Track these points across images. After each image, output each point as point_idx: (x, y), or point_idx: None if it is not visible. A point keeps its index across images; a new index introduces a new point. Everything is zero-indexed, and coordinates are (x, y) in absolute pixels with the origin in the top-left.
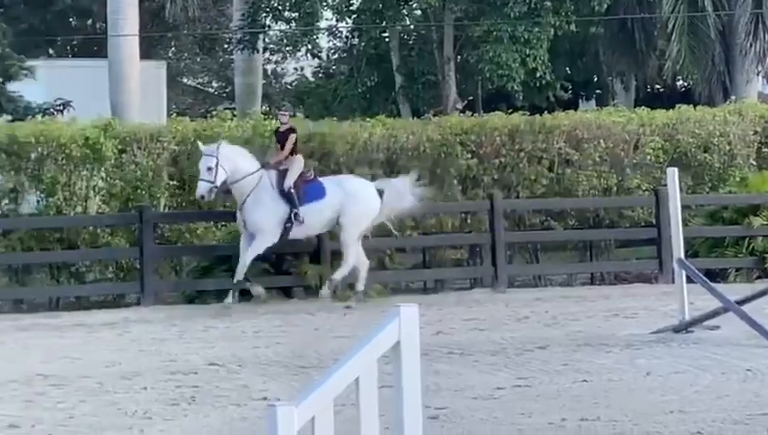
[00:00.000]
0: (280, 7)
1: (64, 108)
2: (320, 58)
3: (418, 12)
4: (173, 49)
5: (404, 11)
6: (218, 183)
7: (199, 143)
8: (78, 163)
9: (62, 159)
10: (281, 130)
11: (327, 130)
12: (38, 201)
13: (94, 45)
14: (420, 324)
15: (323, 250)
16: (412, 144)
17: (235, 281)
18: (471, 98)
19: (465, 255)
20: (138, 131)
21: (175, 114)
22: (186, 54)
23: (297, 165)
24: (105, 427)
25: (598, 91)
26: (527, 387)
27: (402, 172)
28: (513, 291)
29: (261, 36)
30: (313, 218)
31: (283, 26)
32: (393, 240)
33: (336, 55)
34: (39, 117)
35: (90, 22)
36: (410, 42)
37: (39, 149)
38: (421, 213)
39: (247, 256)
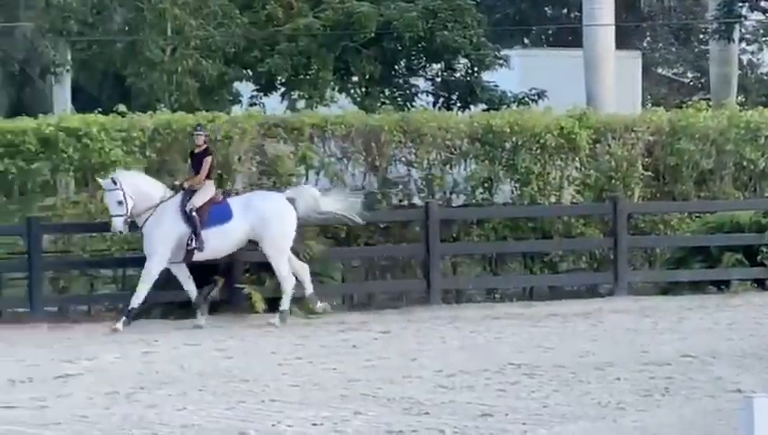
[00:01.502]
0: None
1: (539, 97)
2: None
3: None
4: (648, 39)
5: None
6: (129, 212)
7: (99, 180)
8: (552, 153)
9: (537, 148)
10: (196, 151)
11: None
12: (512, 191)
13: (569, 35)
14: None
15: None
16: None
17: (129, 308)
18: None
19: None
20: (612, 122)
21: (649, 104)
22: (660, 44)
23: (207, 190)
24: (578, 416)
25: None
26: None
27: None
28: None
29: (736, 26)
30: (218, 241)
31: (760, 17)
32: None
33: None
34: (513, 106)
35: (564, 11)
36: None
37: (513, 139)
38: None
39: (139, 288)
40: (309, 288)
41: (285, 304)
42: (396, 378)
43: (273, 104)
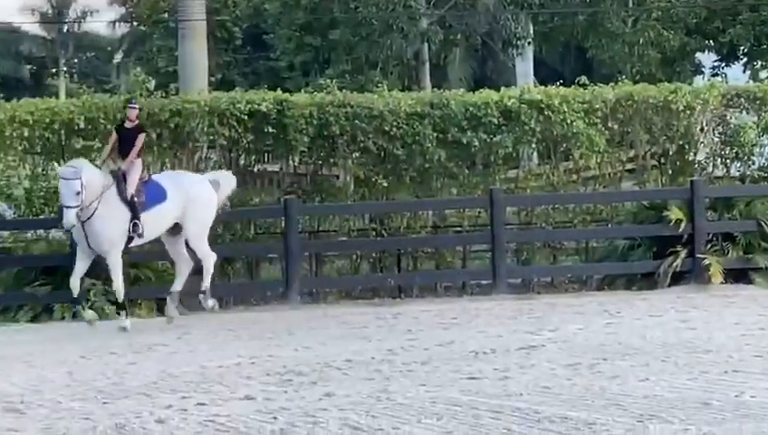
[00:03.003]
0: None
1: None
2: None
3: None
4: None
5: None
6: (82, 206)
7: (56, 166)
8: None
9: None
10: (127, 126)
11: None
12: None
13: None
14: None
15: None
16: None
17: (75, 296)
18: None
19: None
20: None
21: None
22: None
23: (137, 170)
24: None
25: None
26: None
27: None
28: None
29: None
30: (156, 223)
31: None
32: None
33: None
34: None
35: None
36: None
37: None
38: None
39: (117, 283)
40: (178, 286)
41: (206, 282)
42: None
43: (736, 74)
